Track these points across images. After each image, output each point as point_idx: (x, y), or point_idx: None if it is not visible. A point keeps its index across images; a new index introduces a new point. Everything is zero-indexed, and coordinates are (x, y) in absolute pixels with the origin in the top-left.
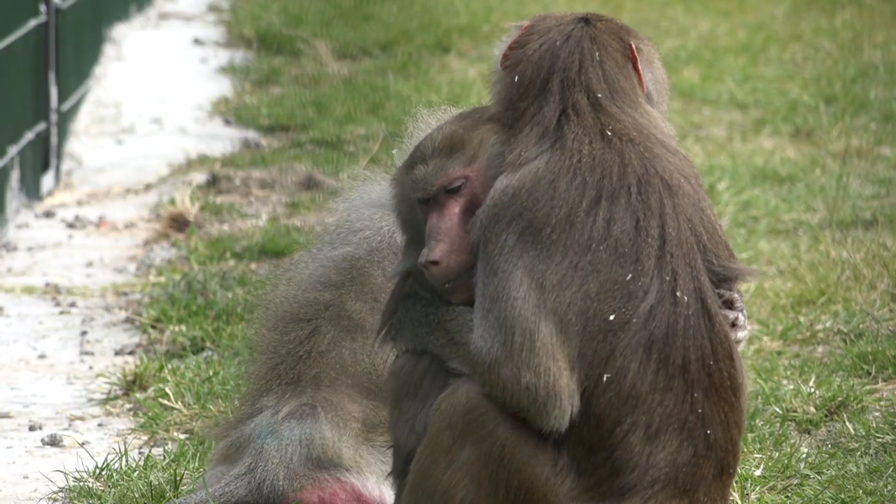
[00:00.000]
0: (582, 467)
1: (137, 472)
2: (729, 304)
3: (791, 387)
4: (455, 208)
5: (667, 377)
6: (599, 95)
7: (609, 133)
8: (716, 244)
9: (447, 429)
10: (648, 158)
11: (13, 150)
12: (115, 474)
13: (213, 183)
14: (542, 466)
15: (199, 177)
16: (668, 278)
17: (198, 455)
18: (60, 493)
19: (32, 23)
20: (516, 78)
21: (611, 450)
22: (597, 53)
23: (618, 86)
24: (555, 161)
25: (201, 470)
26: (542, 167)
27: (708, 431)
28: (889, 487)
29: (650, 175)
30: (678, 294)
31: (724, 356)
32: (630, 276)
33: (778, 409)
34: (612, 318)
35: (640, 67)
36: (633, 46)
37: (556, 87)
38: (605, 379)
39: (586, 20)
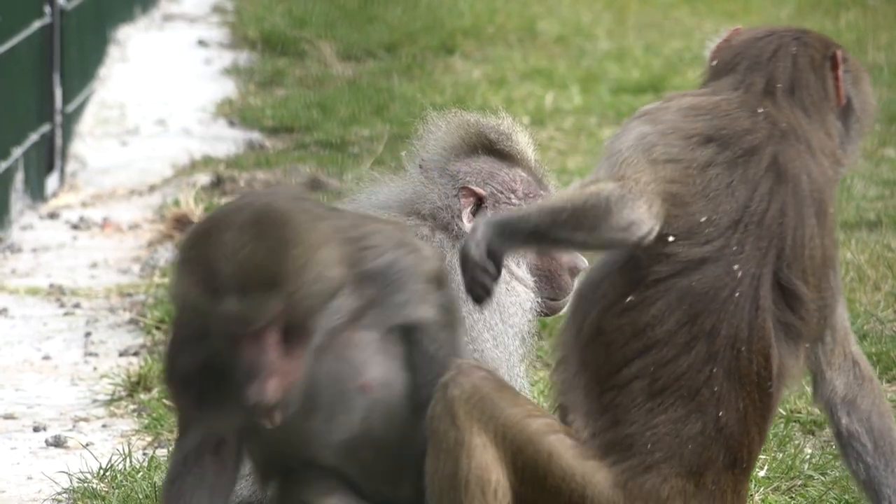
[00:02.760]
0: (590, 414)
1: (141, 473)
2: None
3: (795, 388)
4: (272, 339)
5: (689, 336)
6: (779, 85)
7: (760, 111)
8: (798, 261)
9: (451, 427)
10: (782, 147)
11: (17, 152)
12: (119, 475)
13: (218, 184)
14: (553, 431)
15: (204, 178)
16: (733, 246)
17: None
18: (64, 494)
19: (37, 24)
20: (714, 62)
21: (615, 392)
22: (794, 48)
23: (803, 84)
24: (702, 100)
25: None
26: (690, 100)
27: (720, 413)
28: None
29: (773, 159)
30: (735, 266)
31: (758, 351)
32: (704, 218)
33: (782, 411)
34: (670, 239)
35: (840, 75)
36: (839, 55)
37: (742, 68)
38: (627, 300)
39: (800, 29)
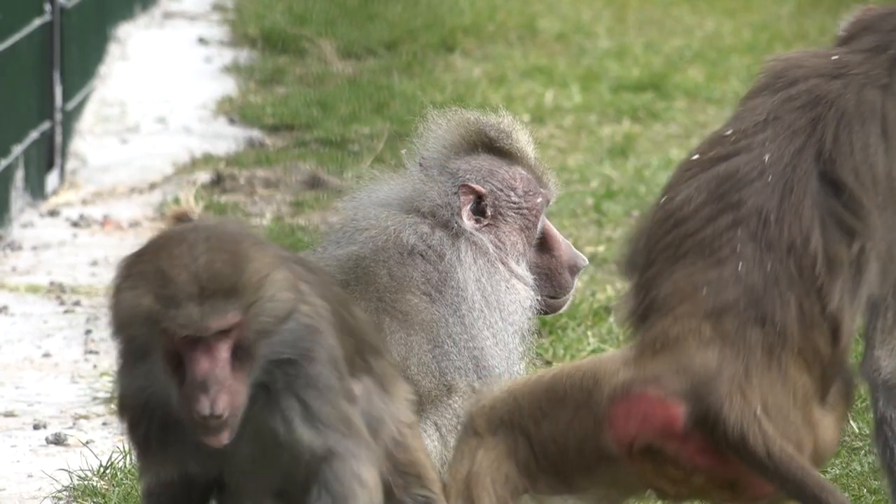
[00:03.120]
0: (628, 294)
1: None
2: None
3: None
4: (224, 352)
5: (715, 210)
6: (890, 51)
7: (845, 59)
8: (845, 161)
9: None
10: (844, 88)
11: (18, 150)
12: (119, 473)
13: (218, 182)
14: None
15: (204, 176)
16: (761, 143)
17: None
18: (64, 492)
19: (37, 22)
20: (841, 33)
21: (647, 269)
22: None
23: None
24: (804, 54)
25: None
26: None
27: (740, 265)
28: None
29: (818, 91)
30: (766, 156)
31: (791, 223)
32: (730, 130)
33: None
34: (727, 132)
35: None
36: None
37: (862, 35)
38: (663, 198)
39: None
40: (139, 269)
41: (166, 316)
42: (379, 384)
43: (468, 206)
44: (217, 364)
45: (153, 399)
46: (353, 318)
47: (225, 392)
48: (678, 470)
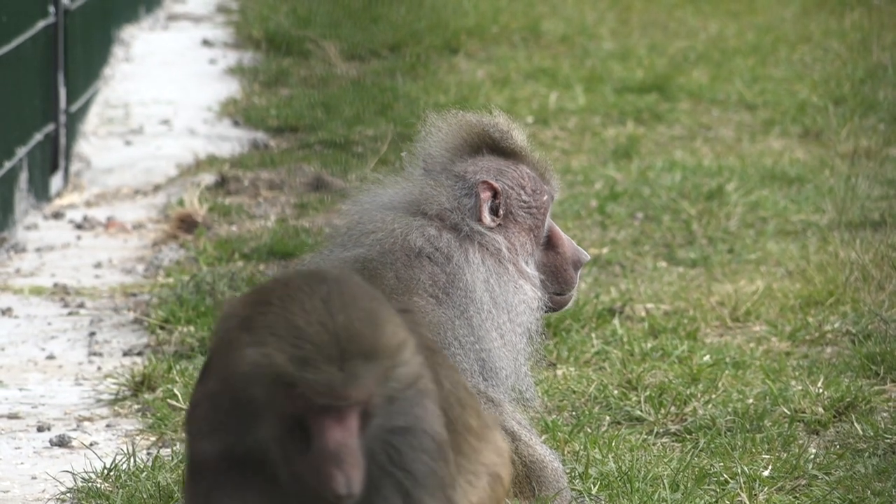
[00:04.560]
0: None
1: (146, 473)
2: None
3: (799, 387)
4: (356, 422)
5: None
6: None
7: None
8: None
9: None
10: None
11: (22, 151)
12: (123, 475)
13: (222, 184)
14: None
15: (208, 178)
16: None
17: None
18: (68, 494)
19: (41, 24)
20: None
21: None
22: None
23: None
24: None
25: None
26: None
27: None
28: None
29: None
30: None
31: None
32: None
33: (786, 410)
34: None
35: None
36: None
37: None
38: None
39: None
40: (265, 323)
41: (302, 380)
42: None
43: (487, 203)
44: (350, 435)
45: (246, 462)
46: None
47: (357, 467)
48: None
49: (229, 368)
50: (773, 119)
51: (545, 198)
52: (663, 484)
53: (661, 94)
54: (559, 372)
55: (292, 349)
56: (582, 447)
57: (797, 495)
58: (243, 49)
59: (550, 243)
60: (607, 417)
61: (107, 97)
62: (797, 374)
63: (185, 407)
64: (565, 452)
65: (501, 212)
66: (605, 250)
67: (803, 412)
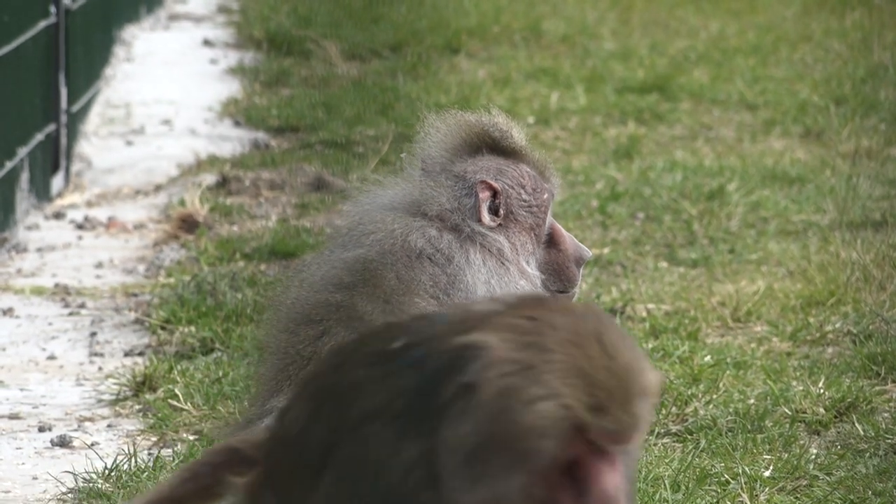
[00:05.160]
0: None
1: (147, 474)
2: None
3: (800, 388)
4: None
5: None
6: None
7: None
8: None
9: None
10: None
11: (23, 152)
12: (124, 475)
13: (223, 184)
14: None
15: (209, 178)
16: None
17: None
18: (69, 495)
19: (42, 24)
20: None
21: None
22: None
23: None
24: None
25: None
26: None
27: None
28: None
29: None
30: None
31: None
32: None
33: (787, 410)
34: None
35: None
36: None
37: None
38: None
39: None
40: (550, 371)
41: (598, 427)
42: None
43: (486, 203)
44: (620, 478)
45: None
46: None
47: None
48: None
49: (517, 426)
50: (774, 119)
51: (546, 196)
52: (664, 484)
53: (661, 94)
54: None
55: (588, 397)
56: None
57: (798, 496)
58: (244, 49)
59: (552, 241)
60: None
61: (108, 97)
62: (798, 374)
63: (185, 407)
64: None
65: (502, 211)
66: (605, 250)
67: (804, 412)
